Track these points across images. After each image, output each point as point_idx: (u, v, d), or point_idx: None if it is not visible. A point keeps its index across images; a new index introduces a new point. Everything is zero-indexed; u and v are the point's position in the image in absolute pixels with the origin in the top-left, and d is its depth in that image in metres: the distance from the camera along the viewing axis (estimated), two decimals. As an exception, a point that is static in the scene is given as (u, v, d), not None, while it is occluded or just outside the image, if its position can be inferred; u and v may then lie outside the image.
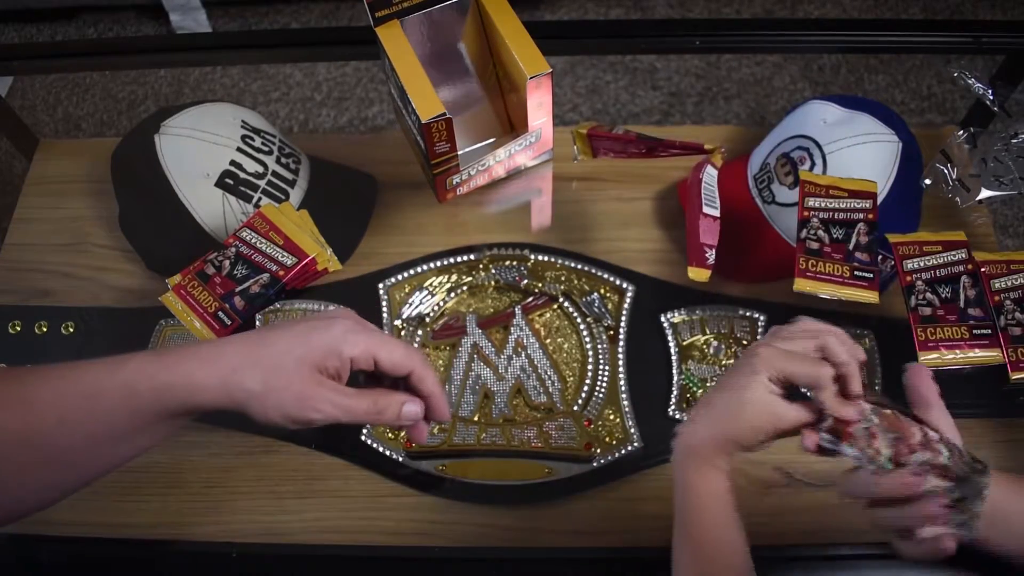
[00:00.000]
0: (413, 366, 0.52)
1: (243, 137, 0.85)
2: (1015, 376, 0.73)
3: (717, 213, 0.80)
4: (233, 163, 0.83)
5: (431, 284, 0.87)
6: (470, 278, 0.87)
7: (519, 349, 0.83)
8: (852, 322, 0.83)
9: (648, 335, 0.83)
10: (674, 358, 0.81)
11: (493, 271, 0.87)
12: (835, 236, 0.76)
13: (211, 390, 0.48)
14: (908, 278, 0.77)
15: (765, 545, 0.73)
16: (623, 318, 0.84)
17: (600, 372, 0.81)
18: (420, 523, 0.76)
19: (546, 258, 0.87)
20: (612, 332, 0.83)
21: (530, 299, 0.86)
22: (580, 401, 0.80)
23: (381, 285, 0.86)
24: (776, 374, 0.52)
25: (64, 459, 0.47)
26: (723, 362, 0.81)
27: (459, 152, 0.85)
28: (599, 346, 0.83)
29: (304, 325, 0.50)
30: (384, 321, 0.85)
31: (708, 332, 0.82)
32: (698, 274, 0.75)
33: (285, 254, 0.78)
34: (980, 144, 0.84)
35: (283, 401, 0.48)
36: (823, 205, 0.77)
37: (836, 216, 0.77)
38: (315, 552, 0.72)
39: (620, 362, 0.82)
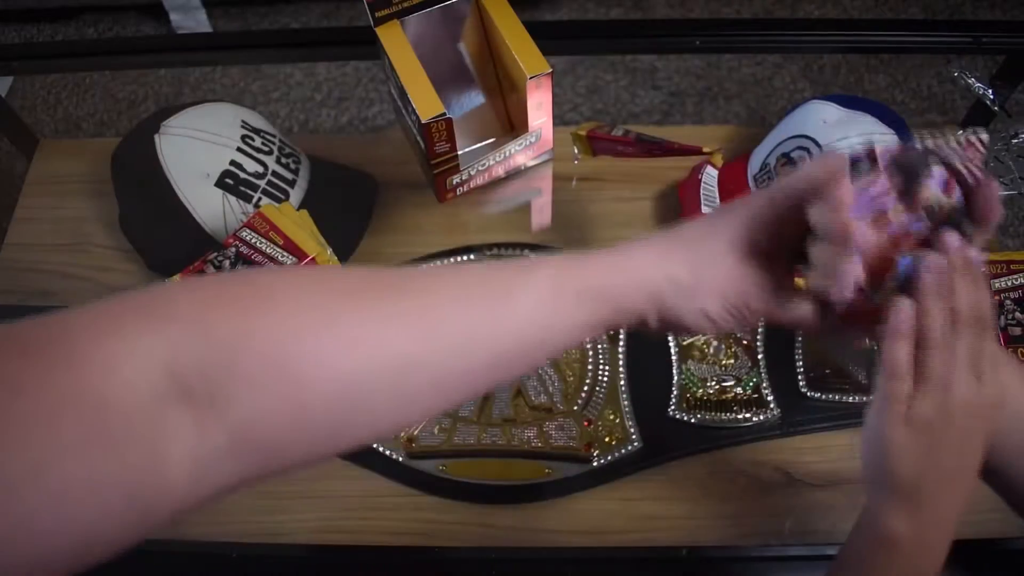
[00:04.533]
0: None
1: (243, 137, 0.85)
2: (1015, 376, 0.73)
3: (717, 213, 0.80)
4: (233, 163, 0.83)
5: (431, 284, 0.87)
6: (470, 278, 0.87)
7: (519, 349, 0.83)
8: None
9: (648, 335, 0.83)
10: (674, 358, 0.81)
11: (493, 271, 0.87)
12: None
13: (638, 288, 0.41)
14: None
15: (765, 545, 0.73)
16: (623, 318, 0.84)
17: (600, 372, 0.81)
18: (420, 523, 0.76)
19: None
20: (612, 332, 0.83)
21: (530, 299, 0.86)
22: (580, 401, 0.80)
23: (381, 285, 0.86)
24: None
25: (455, 385, 0.39)
26: (723, 362, 0.81)
27: (459, 152, 0.85)
28: (599, 346, 0.83)
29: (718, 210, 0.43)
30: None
31: (708, 332, 0.83)
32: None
33: (285, 254, 0.78)
34: (980, 144, 0.84)
35: (717, 287, 0.40)
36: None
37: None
38: (315, 552, 0.72)
39: (620, 362, 0.82)
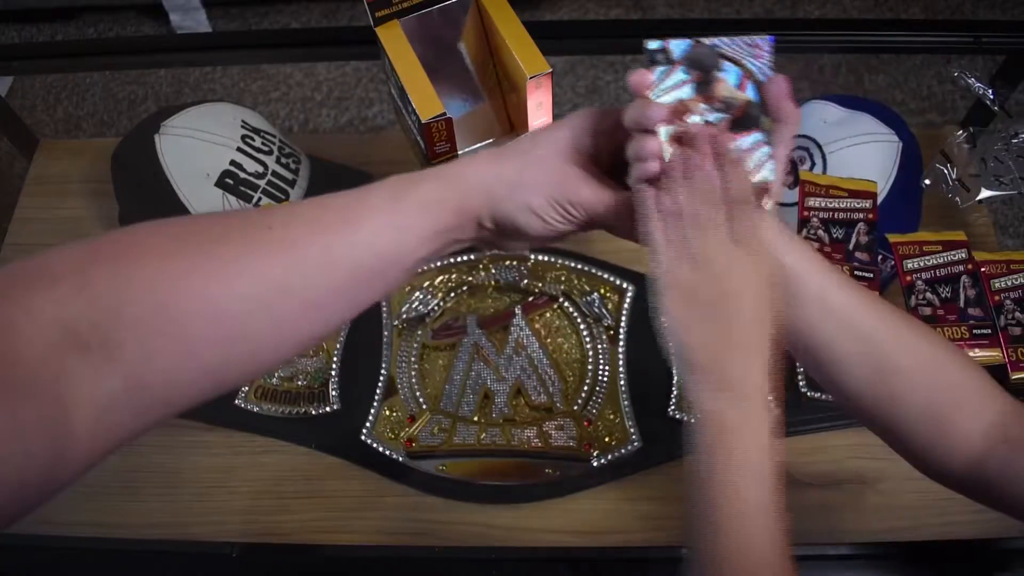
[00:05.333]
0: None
1: (243, 137, 0.85)
2: (1015, 376, 0.73)
3: (717, 213, 0.80)
4: (233, 163, 0.83)
5: (431, 284, 0.87)
6: (470, 278, 0.87)
7: (519, 349, 0.83)
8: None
9: (648, 335, 0.83)
10: (674, 358, 0.81)
11: (493, 271, 0.87)
12: (835, 236, 0.76)
13: (473, 188, 0.44)
14: (908, 278, 0.77)
15: (765, 545, 0.73)
16: (623, 318, 0.84)
17: (600, 372, 0.81)
18: (420, 523, 0.76)
19: (546, 258, 0.87)
20: (612, 332, 0.83)
21: (530, 299, 0.86)
22: (580, 401, 0.80)
23: (381, 285, 0.86)
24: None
25: (322, 306, 0.41)
26: (723, 362, 0.81)
27: (459, 152, 0.85)
28: (599, 346, 0.83)
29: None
30: (384, 321, 0.85)
31: (708, 332, 0.83)
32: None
33: (285, 254, 0.78)
34: (980, 144, 0.84)
35: (542, 182, 0.44)
36: (823, 205, 0.77)
37: (836, 216, 0.77)
38: (315, 552, 0.72)
39: (620, 362, 0.82)
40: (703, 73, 0.44)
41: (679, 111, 0.43)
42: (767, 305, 0.44)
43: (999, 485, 0.47)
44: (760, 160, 0.44)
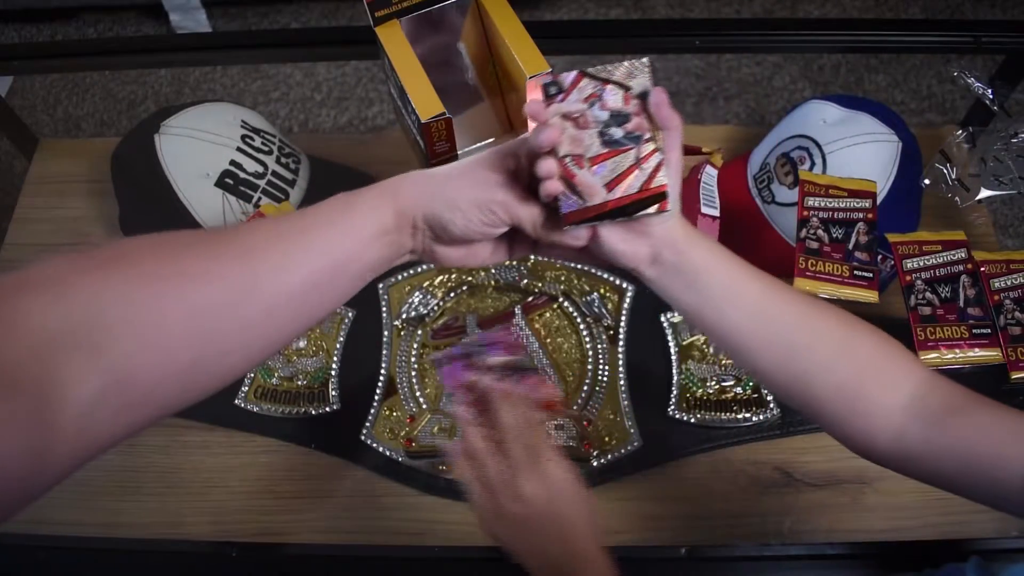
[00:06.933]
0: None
1: (243, 137, 0.85)
2: (1015, 375, 0.73)
3: (716, 213, 0.80)
4: (233, 163, 0.83)
5: (431, 284, 0.87)
6: (470, 278, 0.87)
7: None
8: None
9: (648, 335, 0.83)
10: (674, 358, 0.81)
11: (493, 271, 0.87)
12: (835, 236, 0.76)
13: (407, 191, 0.49)
14: (908, 277, 0.77)
15: (765, 545, 0.73)
16: (623, 318, 0.84)
17: (600, 372, 0.81)
18: (420, 523, 0.76)
19: (546, 258, 0.87)
20: (612, 332, 0.83)
21: (530, 299, 0.86)
22: (580, 401, 0.80)
23: (381, 285, 0.86)
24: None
25: (283, 308, 0.45)
26: (723, 361, 0.81)
27: (459, 152, 0.85)
28: (599, 346, 0.83)
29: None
30: (384, 321, 0.85)
31: (708, 332, 0.83)
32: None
33: (285, 254, 0.78)
34: (980, 144, 0.84)
35: (467, 183, 0.49)
36: (823, 205, 0.77)
37: (836, 216, 0.77)
38: (315, 552, 0.72)
39: (620, 362, 0.82)
40: (591, 94, 0.49)
41: (579, 123, 0.49)
42: (573, 492, 0.52)
43: (921, 457, 0.50)
44: (655, 166, 0.48)
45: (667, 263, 0.50)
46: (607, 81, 0.49)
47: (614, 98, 0.48)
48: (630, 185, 0.48)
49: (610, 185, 0.48)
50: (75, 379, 0.35)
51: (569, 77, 0.49)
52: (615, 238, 0.50)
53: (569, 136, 0.48)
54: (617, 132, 0.48)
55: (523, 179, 0.50)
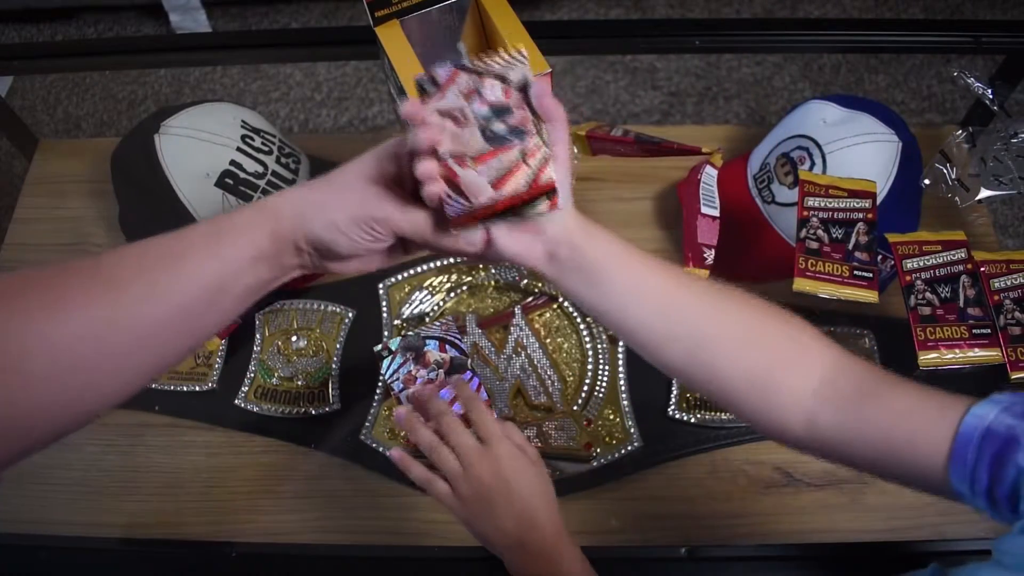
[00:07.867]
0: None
1: (243, 137, 0.85)
2: (1015, 375, 0.73)
3: (716, 213, 0.80)
4: (233, 163, 0.83)
5: (431, 284, 0.87)
6: (470, 278, 0.87)
7: (519, 349, 0.83)
8: (851, 322, 0.83)
9: (648, 335, 0.83)
10: (674, 358, 0.81)
11: (493, 271, 0.87)
12: (835, 236, 0.76)
13: (284, 213, 0.47)
14: (908, 278, 0.77)
15: (765, 545, 0.73)
16: (623, 318, 0.84)
17: (600, 372, 0.81)
18: (420, 523, 0.76)
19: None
20: (611, 334, 0.83)
21: (530, 299, 0.86)
22: (580, 401, 0.80)
23: (381, 285, 0.86)
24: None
25: (154, 336, 0.44)
26: (723, 362, 0.81)
27: (459, 152, 0.85)
28: (599, 346, 0.83)
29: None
30: (384, 321, 0.85)
31: (708, 332, 0.83)
32: (697, 274, 0.75)
33: (285, 254, 0.78)
34: (980, 144, 0.84)
35: (345, 202, 0.47)
36: (823, 205, 0.77)
37: (836, 216, 0.77)
38: (315, 552, 0.72)
39: (620, 362, 0.82)
40: (470, 90, 0.46)
41: (459, 122, 0.46)
42: (531, 472, 0.58)
43: (835, 442, 0.49)
44: (541, 161, 0.45)
45: (564, 261, 0.49)
46: (485, 74, 0.46)
47: (494, 92, 0.46)
48: (517, 183, 0.45)
49: (497, 184, 0.45)
50: None
51: (444, 73, 0.46)
52: (507, 239, 0.48)
53: (450, 134, 0.45)
54: (500, 128, 0.45)
55: (407, 183, 0.47)
